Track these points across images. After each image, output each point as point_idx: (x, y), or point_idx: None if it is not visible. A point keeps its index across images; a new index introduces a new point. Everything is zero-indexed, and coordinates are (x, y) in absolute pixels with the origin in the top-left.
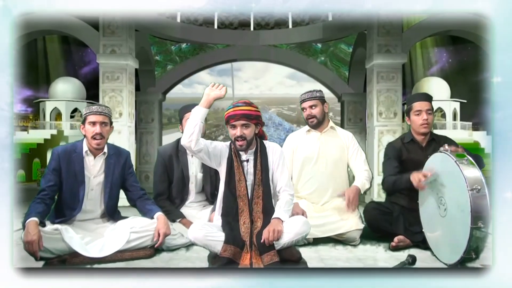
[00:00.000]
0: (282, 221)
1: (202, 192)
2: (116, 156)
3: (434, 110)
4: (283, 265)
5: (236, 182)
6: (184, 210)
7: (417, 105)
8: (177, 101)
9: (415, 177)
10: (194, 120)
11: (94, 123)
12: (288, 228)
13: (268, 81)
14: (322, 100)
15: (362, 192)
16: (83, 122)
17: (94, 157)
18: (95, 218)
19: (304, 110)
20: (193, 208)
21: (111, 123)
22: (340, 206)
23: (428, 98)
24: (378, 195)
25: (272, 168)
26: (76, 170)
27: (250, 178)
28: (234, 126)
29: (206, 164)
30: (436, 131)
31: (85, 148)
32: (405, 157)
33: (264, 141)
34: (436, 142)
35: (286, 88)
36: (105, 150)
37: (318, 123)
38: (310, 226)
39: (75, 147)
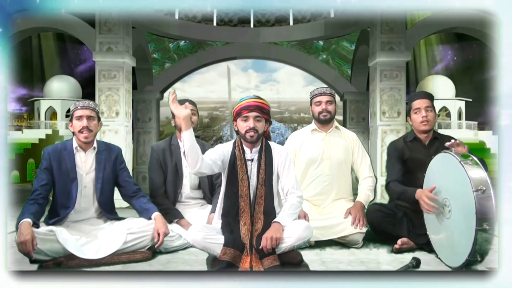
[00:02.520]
0: (283, 225)
1: (199, 189)
2: (107, 152)
3: (439, 109)
4: (284, 268)
5: (239, 181)
6: (181, 208)
7: (416, 103)
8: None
9: (424, 201)
10: (188, 145)
11: (80, 117)
12: (289, 233)
13: (223, 87)
14: (335, 100)
15: (366, 205)
16: (71, 120)
17: (85, 153)
18: (90, 218)
19: (318, 104)
20: (190, 206)
21: (99, 118)
22: (343, 208)
23: (426, 95)
24: (382, 196)
25: (277, 171)
26: (68, 168)
27: (253, 178)
28: (246, 118)
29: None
30: (440, 131)
31: (74, 144)
32: (408, 156)
33: (269, 142)
34: (439, 141)
35: (239, 94)
36: (95, 145)
37: (329, 120)
38: (312, 230)
39: (65, 145)
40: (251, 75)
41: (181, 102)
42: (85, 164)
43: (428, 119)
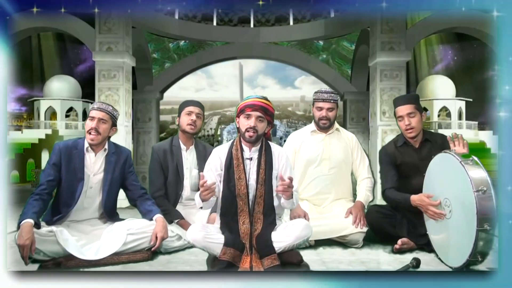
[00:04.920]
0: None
1: (199, 190)
2: (117, 154)
3: (439, 109)
4: (284, 268)
5: (236, 181)
6: (181, 209)
7: (398, 111)
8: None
9: (431, 211)
10: (206, 207)
11: (92, 118)
12: (288, 232)
13: (190, 85)
14: (337, 104)
15: (366, 205)
16: (87, 118)
17: (95, 154)
18: (91, 219)
19: (319, 110)
20: (190, 206)
21: (114, 124)
22: (343, 207)
23: (407, 100)
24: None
25: (279, 172)
26: (76, 167)
27: (252, 177)
28: (249, 116)
29: None
30: (441, 131)
31: (86, 144)
32: (400, 161)
33: (269, 142)
34: (431, 143)
35: (193, 93)
36: (106, 147)
37: (328, 126)
38: (311, 229)
39: (77, 144)
40: (200, 75)
41: (189, 102)
42: (94, 165)
43: (412, 126)
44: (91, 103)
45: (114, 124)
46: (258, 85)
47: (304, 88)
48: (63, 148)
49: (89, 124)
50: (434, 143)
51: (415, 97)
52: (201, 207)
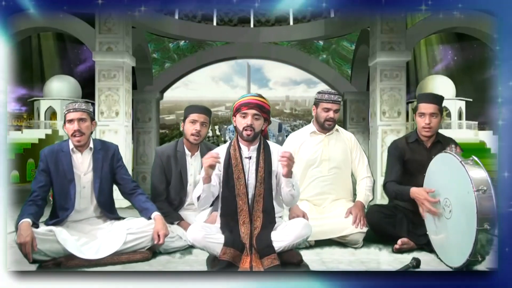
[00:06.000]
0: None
1: None
2: (103, 150)
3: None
4: (284, 268)
5: (235, 180)
6: (182, 212)
7: (422, 107)
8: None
9: (425, 206)
10: (204, 195)
11: (71, 121)
12: (288, 231)
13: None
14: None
15: (366, 205)
16: (64, 122)
17: (81, 154)
18: (90, 218)
19: (326, 111)
20: (192, 210)
21: (92, 119)
22: (343, 207)
23: (434, 100)
24: (382, 196)
25: (278, 171)
26: (65, 169)
27: (252, 176)
28: (245, 115)
29: None
30: (441, 131)
31: (71, 146)
32: (408, 157)
33: (267, 141)
34: (442, 145)
35: (189, 92)
36: (91, 145)
37: (332, 127)
38: (311, 228)
39: (62, 146)
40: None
41: (194, 108)
42: (83, 165)
43: (431, 126)
44: (92, 103)
45: (92, 119)
46: (238, 85)
47: (278, 89)
48: (48, 153)
49: (70, 127)
50: (445, 145)
51: (441, 99)
52: (199, 197)
